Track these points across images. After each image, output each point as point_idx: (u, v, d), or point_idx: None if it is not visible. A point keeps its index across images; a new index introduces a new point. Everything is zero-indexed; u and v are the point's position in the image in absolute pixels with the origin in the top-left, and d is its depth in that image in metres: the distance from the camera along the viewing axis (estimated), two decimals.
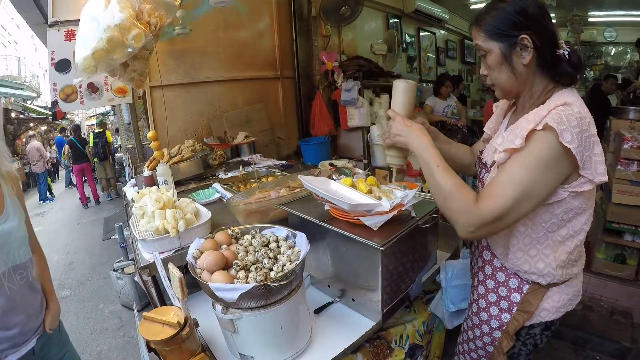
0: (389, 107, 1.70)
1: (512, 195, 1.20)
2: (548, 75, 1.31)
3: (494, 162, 1.38)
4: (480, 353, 1.67)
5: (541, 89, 1.33)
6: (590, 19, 9.73)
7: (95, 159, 10.37)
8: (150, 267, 1.87)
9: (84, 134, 11.79)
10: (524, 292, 1.45)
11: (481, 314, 1.61)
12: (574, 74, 1.29)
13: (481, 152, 1.67)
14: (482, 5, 1.42)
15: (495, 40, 1.30)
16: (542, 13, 1.29)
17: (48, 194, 11.71)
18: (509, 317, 1.50)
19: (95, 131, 10.76)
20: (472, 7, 9.04)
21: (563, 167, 1.19)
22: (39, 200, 11.28)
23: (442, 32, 9.22)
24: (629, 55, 10.27)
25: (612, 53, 10.75)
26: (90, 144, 10.38)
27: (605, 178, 1.21)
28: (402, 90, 1.69)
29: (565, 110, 1.16)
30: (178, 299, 1.50)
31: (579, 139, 1.13)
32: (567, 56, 1.28)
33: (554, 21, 1.34)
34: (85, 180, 10.38)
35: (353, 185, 1.87)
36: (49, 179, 12.05)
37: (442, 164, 1.37)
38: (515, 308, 1.48)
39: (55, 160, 12.20)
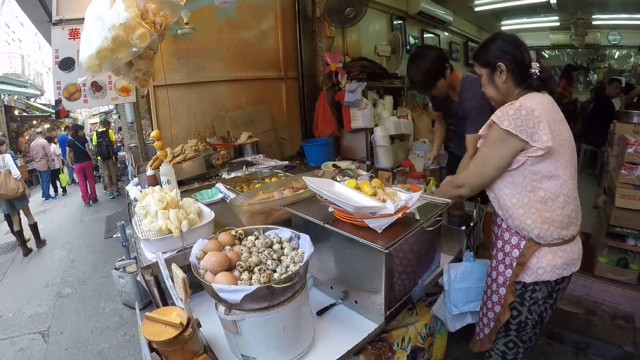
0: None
1: (476, 163, 1.91)
2: (522, 87, 1.84)
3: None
4: (490, 316, 2.04)
5: (515, 95, 1.86)
6: (594, 22, 9.69)
7: (99, 158, 10.40)
8: (153, 267, 1.87)
9: (88, 133, 11.79)
10: (522, 247, 1.83)
11: (492, 273, 2.01)
12: (542, 86, 1.81)
13: None
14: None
15: (484, 67, 1.92)
16: (515, 47, 1.83)
17: (52, 191, 11.79)
18: (510, 272, 1.88)
19: (99, 130, 10.78)
20: (477, 9, 9.04)
21: (511, 142, 1.70)
22: (42, 198, 11.31)
23: (446, 34, 9.21)
24: (632, 59, 10.25)
25: (616, 56, 10.72)
26: (94, 143, 10.40)
27: (549, 143, 1.63)
28: None
29: (506, 107, 1.72)
30: (181, 300, 1.49)
31: (515, 122, 1.65)
32: (537, 73, 1.79)
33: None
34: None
35: (357, 187, 1.87)
36: (61, 174, 12.13)
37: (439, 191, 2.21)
38: (515, 262, 1.85)
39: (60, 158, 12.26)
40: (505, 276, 1.90)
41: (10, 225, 6.71)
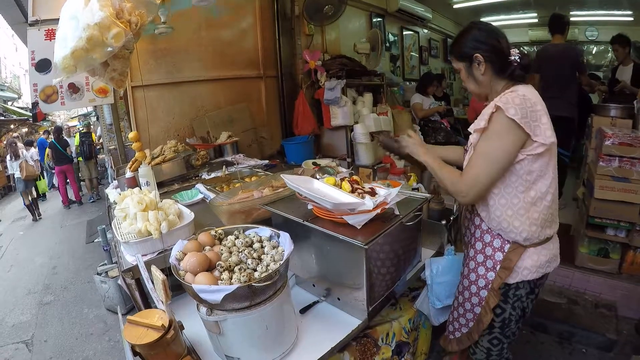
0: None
1: (481, 162, 1.63)
2: (504, 77, 1.70)
3: (471, 144, 1.74)
4: (469, 317, 1.95)
5: (501, 87, 1.70)
6: (572, 19, 9.74)
7: (80, 158, 10.29)
8: (134, 270, 1.85)
9: (70, 136, 11.63)
10: (506, 250, 1.75)
11: (470, 275, 1.90)
12: (523, 74, 1.68)
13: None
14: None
15: (461, 61, 1.78)
16: (490, 35, 1.70)
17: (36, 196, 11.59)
18: (494, 275, 1.79)
19: (82, 131, 10.68)
20: (455, 6, 9.11)
21: (516, 134, 1.54)
22: (24, 205, 11.09)
23: (426, 31, 9.26)
24: (609, 54, 10.40)
25: (594, 52, 10.86)
26: (77, 143, 10.30)
27: (553, 139, 1.55)
28: None
29: (512, 94, 1.56)
30: (162, 302, 1.48)
31: (522, 112, 1.50)
32: (518, 60, 1.67)
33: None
34: (67, 182, 10.28)
35: (336, 184, 1.87)
36: (40, 180, 11.93)
37: (435, 162, 1.85)
38: (498, 266, 1.77)
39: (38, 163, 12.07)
40: (487, 279, 1.81)
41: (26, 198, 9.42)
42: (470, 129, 1.72)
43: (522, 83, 1.68)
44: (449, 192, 1.79)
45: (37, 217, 9.42)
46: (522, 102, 1.52)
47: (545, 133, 1.54)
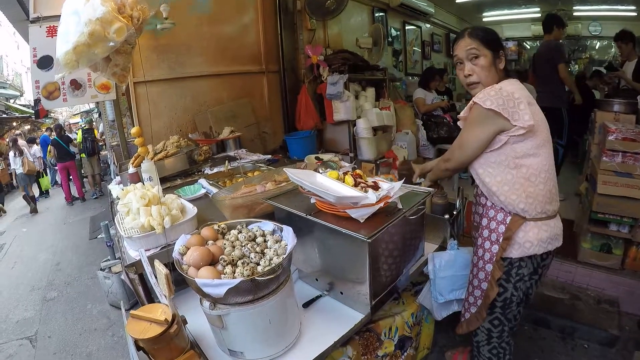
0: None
1: (456, 145, 1.96)
2: (504, 74, 1.90)
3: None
4: (477, 294, 2.05)
5: (497, 81, 1.86)
6: (575, 13, 9.76)
7: (83, 155, 10.32)
8: (137, 265, 1.85)
9: (73, 132, 11.68)
10: (507, 222, 1.87)
11: (478, 251, 2.02)
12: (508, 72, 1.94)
13: None
14: None
15: (488, 49, 1.84)
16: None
17: (38, 194, 11.63)
18: (497, 248, 1.90)
19: (85, 128, 10.71)
20: (458, 0, 9.08)
21: (491, 122, 1.75)
22: (23, 194, 11.14)
23: (428, 25, 9.22)
24: (613, 49, 10.35)
25: (597, 47, 10.83)
26: (79, 140, 10.32)
27: (531, 122, 1.70)
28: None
29: (489, 89, 1.76)
30: (165, 296, 1.48)
31: (497, 102, 1.69)
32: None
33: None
34: (70, 179, 10.30)
35: (339, 178, 1.87)
36: (42, 177, 11.98)
37: (434, 167, 2.24)
38: (501, 238, 1.88)
39: (41, 160, 12.11)
40: (492, 252, 1.93)
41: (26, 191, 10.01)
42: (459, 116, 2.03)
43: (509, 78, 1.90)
44: (443, 161, 2.12)
45: (34, 209, 9.84)
46: (497, 93, 1.72)
47: (523, 117, 1.70)
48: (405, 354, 2.28)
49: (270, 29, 4.90)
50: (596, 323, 3.08)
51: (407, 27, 8.20)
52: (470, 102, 1.82)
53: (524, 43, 11.63)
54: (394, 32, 7.72)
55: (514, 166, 1.80)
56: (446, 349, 2.81)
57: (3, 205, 10.66)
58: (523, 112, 1.70)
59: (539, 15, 9.84)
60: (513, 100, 1.71)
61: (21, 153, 10.23)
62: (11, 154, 10.40)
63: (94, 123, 12.26)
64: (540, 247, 1.85)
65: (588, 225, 3.52)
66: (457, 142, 1.96)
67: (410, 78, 7.94)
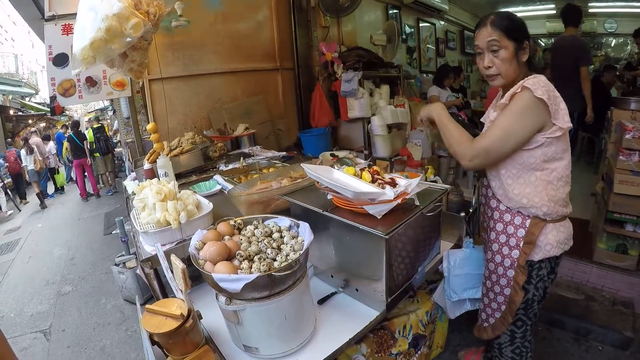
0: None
1: (497, 134, 1.69)
2: (528, 68, 1.77)
3: (490, 120, 1.86)
4: (500, 300, 2.00)
5: (523, 76, 1.72)
6: (590, 10, 9.65)
7: (97, 154, 10.29)
8: (152, 260, 1.86)
9: (83, 130, 11.77)
10: (527, 226, 1.80)
11: (496, 257, 1.95)
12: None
13: None
14: None
15: (511, 40, 1.69)
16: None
17: (53, 190, 11.83)
18: (518, 253, 1.84)
19: (94, 126, 10.69)
20: None
21: (538, 113, 1.61)
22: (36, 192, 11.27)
23: (442, 22, 9.18)
24: (629, 47, 10.21)
25: (613, 44, 10.69)
26: (90, 139, 10.33)
27: (570, 124, 1.63)
28: None
29: (536, 78, 1.63)
30: (181, 291, 1.48)
31: (548, 94, 1.57)
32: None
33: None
34: (85, 176, 10.47)
35: (357, 175, 1.86)
36: (57, 174, 12.16)
37: (451, 122, 1.87)
38: (521, 242, 1.82)
39: (56, 157, 12.25)
40: (512, 257, 1.87)
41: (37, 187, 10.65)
42: (491, 107, 1.92)
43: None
44: (451, 151, 1.86)
45: (44, 206, 10.32)
46: (547, 85, 1.60)
47: (564, 118, 1.62)
48: (419, 352, 2.27)
49: (285, 26, 4.91)
50: (611, 324, 3.04)
51: (421, 24, 8.19)
52: (515, 88, 1.65)
53: (539, 40, 11.52)
54: (408, 29, 7.71)
55: (541, 169, 1.73)
56: (459, 348, 2.79)
57: (25, 198, 11.22)
58: (563, 112, 1.62)
59: (554, 12, 9.74)
60: (556, 97, 1.62)
61: (32, 151, 10.68)
62: (23, 151, 10.79)
63: (109, 120, 12.33)
64: (559, 248, 1.81)
65: (604, 225, 3.47)
66: (496, 131, 1.69)
67: (425, 75, 7.91)
